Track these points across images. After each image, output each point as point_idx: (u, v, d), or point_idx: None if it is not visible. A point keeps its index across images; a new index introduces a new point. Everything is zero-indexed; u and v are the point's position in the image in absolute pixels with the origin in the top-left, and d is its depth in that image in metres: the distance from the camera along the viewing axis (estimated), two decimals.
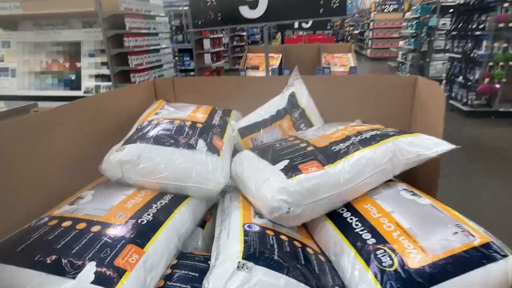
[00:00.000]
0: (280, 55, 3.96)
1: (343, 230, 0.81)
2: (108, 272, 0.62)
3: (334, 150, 0.90)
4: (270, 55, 4.02)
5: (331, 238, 0.82)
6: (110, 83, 3.86)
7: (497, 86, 4.44)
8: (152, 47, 4.27)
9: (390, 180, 1.00)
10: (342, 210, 0.88)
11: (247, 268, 0.63)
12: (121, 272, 0.63)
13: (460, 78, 5.02)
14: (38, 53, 3.97)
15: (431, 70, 7.09)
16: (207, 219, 1.04)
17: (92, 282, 0.60)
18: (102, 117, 1.10)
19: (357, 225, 0.81)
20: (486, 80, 4.53)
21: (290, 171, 0.84)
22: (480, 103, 4.69)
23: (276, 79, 1.49)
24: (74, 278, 0.60)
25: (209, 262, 0.78)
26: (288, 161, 0.88)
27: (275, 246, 0.71)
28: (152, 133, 0.98)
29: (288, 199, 0.78)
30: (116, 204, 0.83)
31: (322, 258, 0.78)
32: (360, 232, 0.78)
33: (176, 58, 6.29)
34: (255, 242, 0.71)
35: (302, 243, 0.79)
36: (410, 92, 1.25)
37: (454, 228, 0.76)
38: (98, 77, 3.93)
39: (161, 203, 0.87)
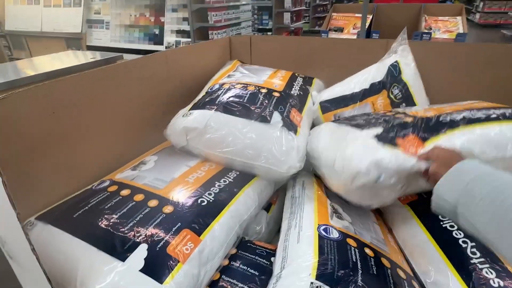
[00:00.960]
0: (370, 16, 3.45)
1: (451, 257, 0.61)
2: (159, 261, 0.54)
3: (442, 121, 0.68)
4: (357, 15, 3.54)
5: (432, 262, 0.63)
6: (189, 39, 3.88)
7: None
8: (231, 3, 4.12)
9: None
10: (452, 226, 0.66)
11: None
12: (173, 264, 0.54)
13: None
14: (129, 7, 4.15)
15: None
16: (273, 202, 0.92)
17: (141, 270, 0.52)
18: (173, 74, 1.01)
19: (473, 253, 0.59)
20: None
21: (384, 140, 0.66)
22: None
23: (371, 43, 1.22)
24: (124, 260, 0.53)
25: (271, 259, 0.67)
26: (382, 129, 0.69)
27: (359, 264, 0.55)
28: (223, 99, 0.86)
29: (380, 163, 0.61)
30: (177, 177, 0.74)
31: (417, 286, 0.60)
32: (480, 266, 0.57)
33: (255, 16, 6.06)
34: (333, 255, 0.56)
35: (392, 261, 0.62)
36: None
37: None
38: (179, 32, 3.97)
39: (225, 181, 0.76)
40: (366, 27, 3.46)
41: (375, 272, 0.55)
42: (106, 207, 0.64)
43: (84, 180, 0.76)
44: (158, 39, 4.12)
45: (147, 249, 0.55)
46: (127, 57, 2.73)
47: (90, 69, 0.78)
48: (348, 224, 0.67)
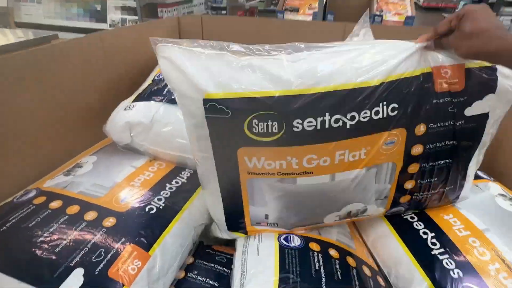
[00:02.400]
0: None
1: (415, 250, 0.60)
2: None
3: None
4: None
5: (395, 256, 0.62)
6: (136, 17, 3.57)
7: None
8: None
9: (480, 178, 0.75)
10: (413, 218, 0.66)
11: None
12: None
13: None
14: None
15: None
16: None
17: None
18: (111, 59, 0.88)
19: (434, 244, 0.59)
20: None
21: None
22: None
23: (329, 26, 1.18)
24: None
25: (232, 267, 0.61)
26: None
27: (322, 272, 0.52)
28: None
29: None
30: (120, 181, 0.65)
31: (381, 281, 0.59)
32: (440, 258, 0.57)
33: None
34: (294, 267, 0.52)
35: (357, 258, 0.60)
36: None
37: None
38: (124, 9, 3.63)
39: (177, 183, 0.69)
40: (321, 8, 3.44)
41: (339, 276, 0.53)
42: (30, 225, 0.53)
43: (2, 190, 0.63)
44: (100, 16, 3.72)
45: (83, 275, 0.47)
46: (64, 36, 2.43)
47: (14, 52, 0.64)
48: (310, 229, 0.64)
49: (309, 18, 3.07)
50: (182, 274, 0.60)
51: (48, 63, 0.72)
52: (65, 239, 0.51)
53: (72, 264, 0.48)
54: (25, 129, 0.69)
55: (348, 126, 0.48)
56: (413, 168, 0.55)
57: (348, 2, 3.56)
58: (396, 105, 0.48)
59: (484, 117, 0.54)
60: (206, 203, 0.64)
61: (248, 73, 0.47)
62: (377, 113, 0.48)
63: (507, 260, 0.55)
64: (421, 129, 0.52)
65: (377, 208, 0.60)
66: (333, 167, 0.51)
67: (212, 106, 0.46)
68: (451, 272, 0.54)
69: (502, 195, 0.69)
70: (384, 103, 0.48)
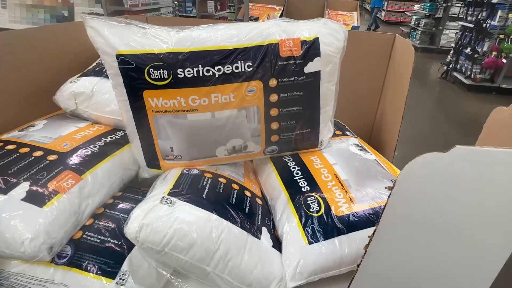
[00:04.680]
0: (282, 7, 3.77)
1: (284, 178, 0.84)
2: (40, 191, 0.65)
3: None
4: (271, 6, 3.83)
5: (272, 184, 0.85)
6: None
7: (504, 61, 4.27)
8: None
9: (345, 135, 1.00)
10: (289, 159, 0.89)
11: (170, 203, 0.65)
12: (53, 194, 0.66)
13: (468, 50, 4.80)
14: None
15: (442, 39, 6.77)
16: None
17: (23, 199, 0.63)
18: (65, 47, 1.07)
19: (297, 173, 0.83)
20: (494, 53, 4.34)
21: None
22: (483, 78, 4.54)
23: None
24: (5, 194, 0.63)
25: None
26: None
27: (207, 186, 0.74)
28: None
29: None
30: (65, 135, 0.84)
31: (259, 201, 0.81)
32: (298, 180, 0.80)
33: (176, 2, 5.98)
34: (186, 182, 0.74)
35: (242, 186, 0.82)
36: (387, 50, 1.21)
37: (388, 182, 0.78)
38: (92, 16, 3.77)
39: (111, 138, 0.88)
40: (278, 18, 3.74)
41: (221, 191, 0.74)
42: None
43: None
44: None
45: (29, 185, 0.66)
46: None
47: None
48: (215, 167, 0.86)
49: None
50: (111, 201, 0.79)
51: (10, 49, 0.90)
52: (17, 166, 0.69)
53: (20, 180, 0.66)
54: None
55: (216, 76, 0.71)
56: (274, 112, 0.79)
57: (303, 12, 3.92)
58: (250, 63, 0.72)
59: (317, 73, 0.79)
60: (132, 148, 0.84)
61: (146, 37, 0.69)
62: (237, 68, 0.72)
63: (341, 179, 0.79)
64: (273, 82, 0.76)
65: (255, 145, 0.83)
66: (211, 106, 0.74)
67: (122, 60, 0.68)
68: (302, 188, 0.78)
69: (356, 144, 0.94)
70: (242, 61, 0.72)
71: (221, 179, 0.80)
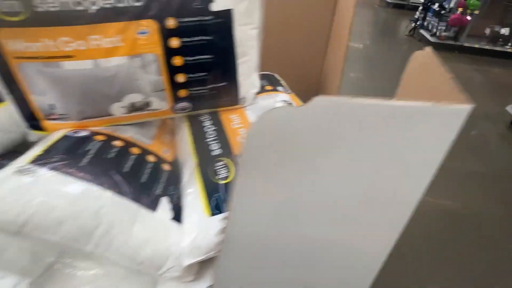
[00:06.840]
0: None
1: (195, 139, 0.72)
2: None
3: None
4: None
5: (183, 146, 0.74)
6: None
7: (468, 18, 4.23)
8: None
9: (276, 90, 0.89)
10: (206, 118, 0.77)
11: (30, 172, 0.52)
12: None
13: (436, 5, 4.71)
14: None
15: None
16: None
17: None
18: None
19: (211, 134, 0.72)
20: (460, 10, 4.28)
21: None
22: (447, 36, 4.52)
23: None
24: None
25: None
26: None
27: (92, 151, 0.61)
28: None
29: None
30: None
31: (166, 167, 0.70)
32: (210, 143, 0.70)
33: None
34: (64, 147, 0.60)
35: (145, 150, 0.70)
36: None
37: None
38: None
39: None
40: None
41: (112, 156, 0.62)
42: None
43: None
44: None
45: None
46: None
47: None
48: (113, 127, 0.72)
49: None
50: None
51: None
52: None
53: None
54: None
55: (90, 11, 0.55)
56: (178, 61, 0.65)
57: None
58: None
59: (228, 12, 0.65)
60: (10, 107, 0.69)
61: None
62: (119, 1, 0.56)
63: None
64: (171, 22, 0.61)
65: (160, 102, 0.70)
66: (92, 52, 0.58)
67: None
68: (213, 152, 0.67)
69: (285, 101, 0.84)
70: None
71: (116, 142, 0.67)
